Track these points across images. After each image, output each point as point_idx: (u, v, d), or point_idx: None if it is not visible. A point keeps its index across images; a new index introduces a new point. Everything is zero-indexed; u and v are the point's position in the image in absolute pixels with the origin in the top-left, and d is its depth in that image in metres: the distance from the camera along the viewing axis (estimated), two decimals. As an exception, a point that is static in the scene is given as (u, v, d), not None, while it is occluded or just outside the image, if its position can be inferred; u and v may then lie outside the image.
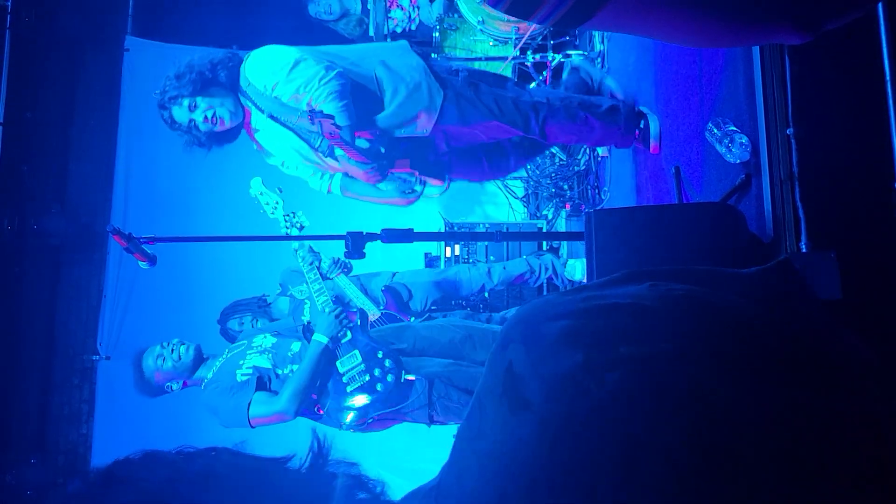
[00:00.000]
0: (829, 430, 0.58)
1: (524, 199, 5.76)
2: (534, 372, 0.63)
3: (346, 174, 3.21)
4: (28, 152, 5.85)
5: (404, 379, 3.03)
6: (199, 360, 3.31)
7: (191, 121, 3.06)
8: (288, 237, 2.83)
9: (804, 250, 1.86)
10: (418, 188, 3.20)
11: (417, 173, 3.13)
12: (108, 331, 5.74)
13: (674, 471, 0.55)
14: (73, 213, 6.02)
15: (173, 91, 3.01)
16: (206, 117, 2.99)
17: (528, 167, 5.38)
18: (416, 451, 5.80)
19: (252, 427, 3.05)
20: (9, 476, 5.64)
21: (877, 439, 0.59)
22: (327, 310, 3.05)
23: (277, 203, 3.23)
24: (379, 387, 2.97)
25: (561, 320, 0.66)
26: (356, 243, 2.54)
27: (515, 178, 5.63)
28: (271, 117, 3.08)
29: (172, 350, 3.30)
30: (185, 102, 3.00)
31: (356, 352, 3.02)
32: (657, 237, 2.07)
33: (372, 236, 2.63)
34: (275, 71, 2.95)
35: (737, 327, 0.65)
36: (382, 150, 2.94)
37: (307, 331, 3.24)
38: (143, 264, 2.73)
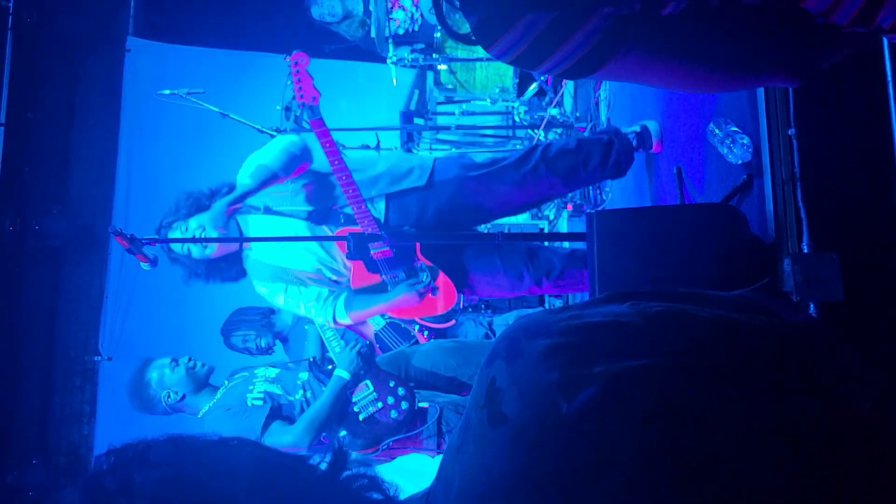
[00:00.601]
0: (811, 435, 0.59)
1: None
2: (513, 387, 0.66)
3: (350, 291, 3.03)
4: (29, 153, 5.86)
5: (418, 406, 3.07)
6: (206, 382, 3.24)
7: (187, 249, 2.95)
8: (291, 238, 2.82)
9: (806, 251, 1.85)
10: (425, 277, 2.97)
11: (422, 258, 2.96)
12: (110, 332, 5.75)
13: (648, 476, 0.56)
14: (75, 214, 6.03)
15: (170, 217, 2.96)
16: (194, 236, 2.89)
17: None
18: (420, 455, 5.80)
19: None
20: (10, 477, 5.65)
21: (863, 445, 0.60)
22: (340, 347, 3.08)
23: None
24: (393, 414, 3.01)
25: (542, 338, 0.68)
26: (359, 244, 2.54)
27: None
28: (268, 211, 2.97)
29: (189, 359, 3.25)
30: (179, 226, 2.95)
31: (367, 381, 3.05)
32: (659, 238, 2.07)
33: (374, 237, 2.64)
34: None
35: (715, 338, 0.67)
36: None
37: (313, 366, 3.25)
38: (144, 265, 2.72)
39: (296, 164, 2.94)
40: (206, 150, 5.74)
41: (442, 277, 2.93)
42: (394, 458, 3.23)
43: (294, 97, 2.94)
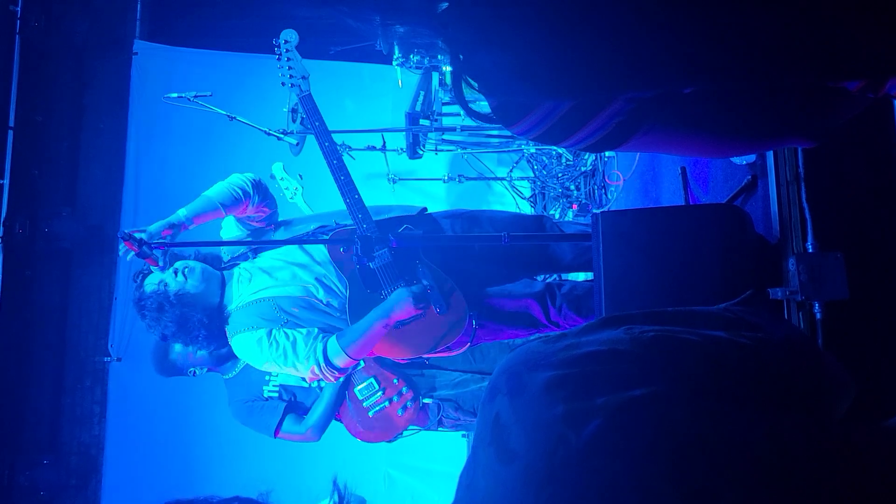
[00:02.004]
0: (801, 453, 0.60)
1: (531, 200, 5.77)
2: (518, 423, 0.67)
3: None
4: (38, 156, 5.90)
5: (422, 403, 3.09)
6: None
7: (163, 285, 2.79)
8: (300, 240, 2.81)
9: (811, 251, 1.86)
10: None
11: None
12: (120, 333, 5.78)
13: None
14: (84, 216, 6.06)
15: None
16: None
17: (536, 167, 5.40)
18: (424, 453, 5.83)
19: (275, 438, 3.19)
20: (22, 477, 5.70)
21: (856, 464, 0.61)
22: None
23: (297, 189, 3.22)
24: (400, 412, 3.04)
25: (543, 371, 0.70)
26: (366, 247, 2.54)
27: (522, 179, 5.65)
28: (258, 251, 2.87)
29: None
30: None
31: (372, 379, 3.07)
32: (664, 238, 2.08)
33: (381, 239, 2.61)
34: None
35: (707, 360, 0.68)
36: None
37: None
38: (154, 269, 2.75)
39: (238, 203, 2.83)
40: (213, 153, 5.77)
41: (454, 296, 2.68)
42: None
43: (285, 79, 2.92)
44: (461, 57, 0.77)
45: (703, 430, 0.61)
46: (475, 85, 0.79)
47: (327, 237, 2.76)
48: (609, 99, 0.85)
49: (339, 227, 2.78)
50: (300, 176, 3.25)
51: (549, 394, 0.67)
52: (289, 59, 2.92)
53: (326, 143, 2.77)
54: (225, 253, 2.93)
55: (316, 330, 2.67)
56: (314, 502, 3.22)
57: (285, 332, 2.66)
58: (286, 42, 2.94)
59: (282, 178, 3.22)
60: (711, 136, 0.97)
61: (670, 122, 0.91)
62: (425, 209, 2.94)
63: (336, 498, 0.78)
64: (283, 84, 2.93)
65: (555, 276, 3.59)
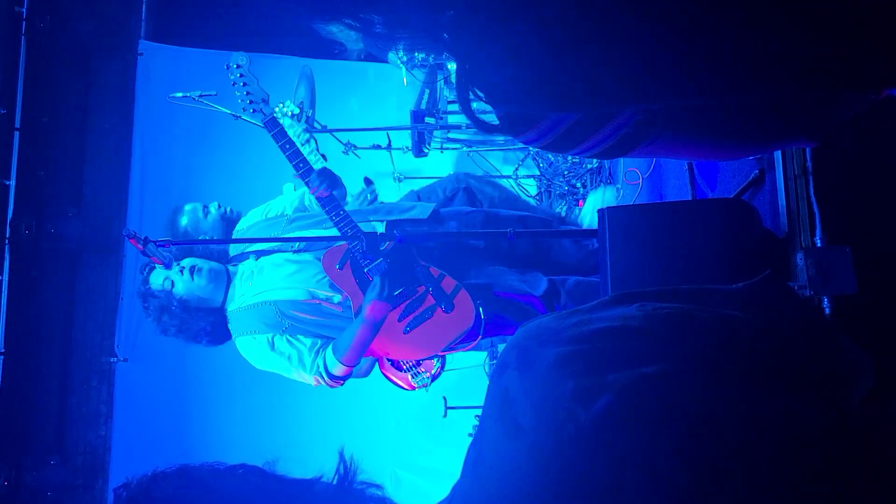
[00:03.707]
0: (816, 436, 0.60)
1: (537, 197, 5.76)
2: (527, 398, 0.67)
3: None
4: (44, 157, 5.91)
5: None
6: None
7: (169, 284, 2.83)
8: (306, 238, 2.80)
9: (819, 245, 1.85)
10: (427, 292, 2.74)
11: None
12: (126, 333, 5.79)
13: (662, 485, 0.57)
14: (90, 217, 6.07)
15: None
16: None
17: (541, 165, 5.38)
18: (427, 450, 5.83)
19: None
20: (29, 477, 5.71)
21: (870, 444, 0.60)
22: None
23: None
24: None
25: (553, 347, 0.69)
26: (371, 244, 2.54)
27: (528, 177, 5.64)
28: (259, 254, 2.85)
29: (219, 205, 3.12)
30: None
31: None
32: (671, 234, 2.07)
33: (386, 236, 2.61)
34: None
35: (722, 339, 0.67)
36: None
37: None
38: (159, 267, 2.75)
39: None
40: (218, 152, 5.78)
41: (459, 294, 2.67)
42: None
43: (245, 105, 2.75)
44: (467, 68, 0.77)
45: (715, 408, 0.60)
46: (482, 96, 0.79)
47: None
48: (614, 111, 0.85)
49: (329, 246, 2.73)
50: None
51: (559, 369, 0.66)
52: (244, 84, 2.75)
53: (301, 166, 2.68)
54: (232, 248, 2.93)
55: (319, 342, 2.70)
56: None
57: (288, 341, 2.68)
58: (238, 66, 2.76)
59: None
60: (718, 141, 0.97)
61: (678, 129, 0.91)
62: (437, 210, 2.93)
63: (342, 470, 0.76)
64: (243, 110, 2.78)
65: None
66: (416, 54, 4.59)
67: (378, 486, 0.79)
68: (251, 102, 2.74)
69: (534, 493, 0.61)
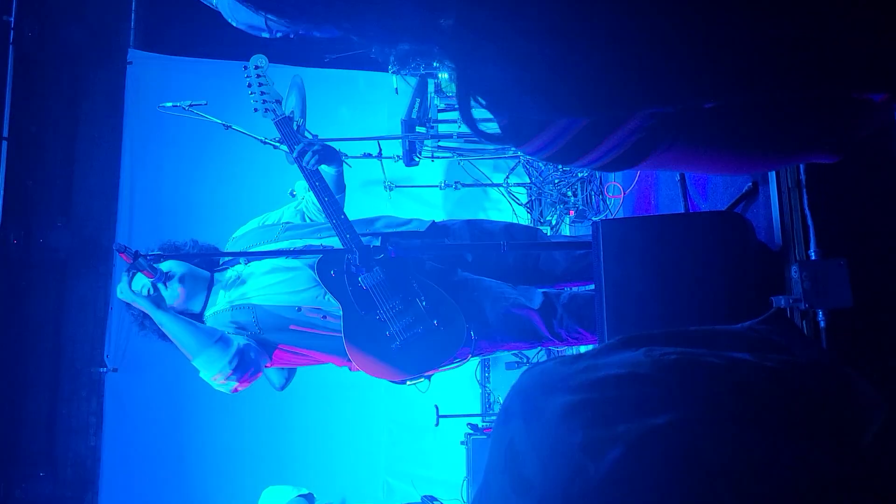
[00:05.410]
0: (832, 485, 0.59)
1: (528, 206, 5.77)
2: (534, 450, 0.65)
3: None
4: (33, 166, 5.88)
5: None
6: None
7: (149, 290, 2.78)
8: (298, 251, 2.78)
9: (813, 258, 1.86)
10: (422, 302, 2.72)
11: None
12: (116, 343, 5.75)
13: None
14: (79, 227, 6.04)
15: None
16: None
17: (532, 173, 5.39)
18: (419, 459, 5.82)
19: None
20: (17, 490, 5.66)
21: (885, 494, 0.59)
22: None
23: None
24: None
25: (560, 395, 0.67)
26: (364, 258, 2.52)
27: (519, 185, 5.65)
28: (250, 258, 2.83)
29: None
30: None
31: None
32: (665, 246, 2.07)
33: (380, 249, 2.59)
34: None
35: (732, 384, 0.66)
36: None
37: None
38: (148, 280, 2.73)
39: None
40: (208, 162, 5.76)
41: (452, 309, 2.64)
42: None
43: (258, 105, 2.79)
44: (468, 73, 0.74)
45: (728, 459, 0.59)
46: (483, 102, 0.75)
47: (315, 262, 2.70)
48: (626, 116, 0.81)
49: (326, 248, 2.73)
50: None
51: (567, 420, 0.65)
52: (261, 85, 2.80)
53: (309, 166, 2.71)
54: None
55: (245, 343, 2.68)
56: None
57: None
58: (257, 68, 2.83)
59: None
60: (732, 152, 0.94)
61: (690, 139, 0.88)
62: (434, 222, 2.92)
63: None
64: (255, 111, 2.82)
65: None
66: (409, 63, 4.58)
67: None
68: (265, 102, 2.79)
69: None
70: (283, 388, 3.10)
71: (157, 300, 2.67)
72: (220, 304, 2.78)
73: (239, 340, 2.65)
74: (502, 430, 0.69)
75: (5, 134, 5.63)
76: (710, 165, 1.00)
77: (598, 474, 0.60)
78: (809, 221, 1.89)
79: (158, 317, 2.65)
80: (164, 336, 2.74)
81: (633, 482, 0.59)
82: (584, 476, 0.60)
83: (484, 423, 4.99)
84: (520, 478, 0.64)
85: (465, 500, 4.83)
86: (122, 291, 2.68)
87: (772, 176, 2.05)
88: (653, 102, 0.75)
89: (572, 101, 0.71)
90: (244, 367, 2.63)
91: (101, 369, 5.84)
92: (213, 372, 2.61)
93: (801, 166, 1.92)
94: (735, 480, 0.57)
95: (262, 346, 2.71)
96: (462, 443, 4.79)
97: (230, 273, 2.85)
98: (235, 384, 2.66)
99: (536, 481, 0.63)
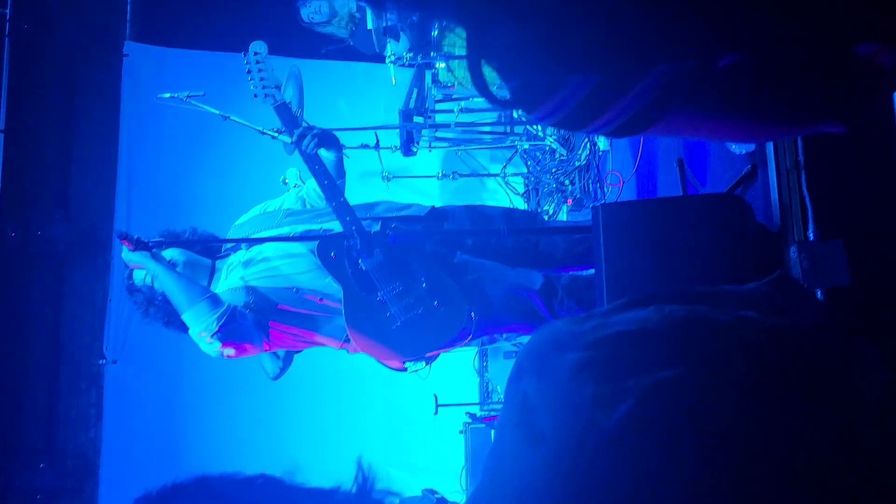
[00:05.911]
0: (833, 443, 0.60)
1: (525, 195, 5.78)
2: (546, 404, 0.66)
3: None
4: (30, 159, 5.87)
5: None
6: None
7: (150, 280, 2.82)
8: (298, 237, 2.80)
9: (812, 238, 1.88)
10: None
11: None
12: (115, 335, 5.75)
13: (684, 496, 0.57)
14: (77, 219, 6.04)
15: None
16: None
17: (529, 163, 5.41)
18: (419, 448, 5.84)
19: None
20: (17, 481, 5.67)
21: (886, 462, 0.61)
22: None
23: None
24: None
25: (571, 352, 0.68)
26: (366, 243, 2.54)
27: (516, 175, 5.66)
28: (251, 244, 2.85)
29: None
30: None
31: None
32: (665, 229, 2.09)
33: (380, 235, 2.61)
34: None
35: (737, 343, 0.67)
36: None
37: None
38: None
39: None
40: (207, 153, 5.76)
41: (452, 291, 2.67)
42: None
43: (258, 91, 2.80)
44: (479, 36, 0.74)
45: (729, 419, 0.60)
46: (495, 65, 0.76)
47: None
48: (637, 74, 0.81)
49: (326, 232, 2.75)
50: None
51: (578, 375, 0.66)
52: (260, 71, 2.82)
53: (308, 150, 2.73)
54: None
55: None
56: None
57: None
58: (256, 54, 2.84)
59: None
60: (742, 117, 0.95)
61: (700, 101, 0.88)
62: (433, 207, 2.94)
63: (360, 479, 0.77)
64: (255, 97, 2.83)
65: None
66: (405, 54, 4.59)
67: (396, 494, 0.79)
68: (264, 88, 2.80)
69: (555, 501, 0.61)
70: (277, 377, 3.11)
71: (155, 254, 2.69)
72: (219, 289, 2.80)
73: (233, 303, 2.66)
74: (515, 387, 0.70)
75: (2, 127, 5.63)
76: (717, 131, 0.99)
77: (609, 427, 0.61)
78: (808, 202, 1.91)
79: (153, 267, 2.67)
80: (168, 322, 2.76)
81: (642, 434, 0.60)
82: (596, 428, 0.61)
83: (482, 412, 5.01)
84: (533, 430, 0.65)
85: (464, 488, 4.86)
86: (125, 253, 2.70)
87: (770, 158, 2.07)
88: (665, 57, 0.74)
89: (584, 58, 0.71)
90: (231, 328, 2.62)
91: (101, 361, 5.84)
92: (199, 328, 2.60)
93: (800, 147, 1.95)
94: (733, 445, 0.58)
95: (258, 323, 2.72)
96: (461, 432, 4.81)
97: (231, 259, 2.87)
98: (220, 345, 2.63)
99: (549, 434, 0.64)
